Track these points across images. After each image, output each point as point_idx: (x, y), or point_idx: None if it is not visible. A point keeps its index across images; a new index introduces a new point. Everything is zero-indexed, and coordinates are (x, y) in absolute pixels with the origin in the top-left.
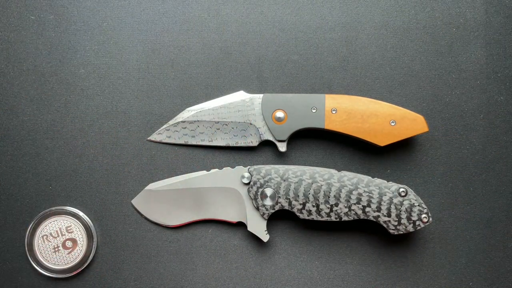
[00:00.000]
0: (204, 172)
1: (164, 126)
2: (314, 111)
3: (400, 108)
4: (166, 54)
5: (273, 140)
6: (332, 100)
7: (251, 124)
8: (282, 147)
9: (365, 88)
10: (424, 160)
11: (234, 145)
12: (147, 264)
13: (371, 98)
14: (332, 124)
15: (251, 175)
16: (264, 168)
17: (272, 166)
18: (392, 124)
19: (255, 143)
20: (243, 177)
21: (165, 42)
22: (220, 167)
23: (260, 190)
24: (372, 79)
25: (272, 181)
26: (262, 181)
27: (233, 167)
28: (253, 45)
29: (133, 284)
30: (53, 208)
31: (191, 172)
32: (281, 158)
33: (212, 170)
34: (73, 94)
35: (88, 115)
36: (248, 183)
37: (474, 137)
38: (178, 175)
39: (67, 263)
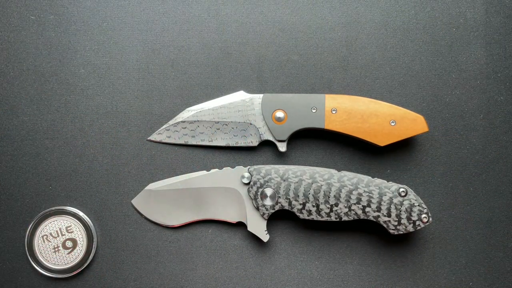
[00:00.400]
0: (204, 172)
1: (164, 126)
2: (314, 111)
3: (400, 108)
4: (166, 54)
5: (273, 140)
6: (332, 100)
7: (251, 124)
8: (282, 147)
9: (365, 88)
10: (424, 160)
11: (234, 145)
12: (147, 264)
13: (371, 98)
14: (332, 124)
15: (251, 175)
16: (264, 168)
17: (272, 166)
18: (392, 124)
19: (255, 143)
20: (243, 177)
21: (165, 42)
22: (220, 167)
23: (260, 190)
24: (372, 79)
25: (272, 181)
26: (262, 181)
27: (233, 167)
28: (253, 45)
29: (133, 284)
30: (53, 208)
31: (191, 172)
32: (281, 158)
33: (212, 170)
34: (73, 94)
35: (88, 115)
36: (248, 183)
37: (474, 137)
38: (178, 175)
39: (67, 263)
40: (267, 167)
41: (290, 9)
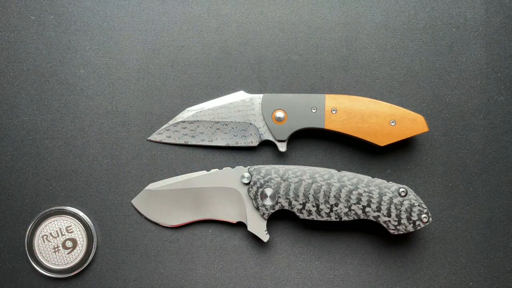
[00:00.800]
0: (204, 172)
1: (164, 126)
2: (314, 111)
3: (400, 108)
4: (166, 54)
5: (273, 140)
6: (332, 100)
7: (251, 124)
8: (282, 147)
9: (365, 88)
10: (424, 160)
11: (234, 145)
12: (147, 264)
13: (371, 98)
14: (332, 124)
15: (251, 175)
16: (264, 168)
17: (272, 166)
18: (392, 124)
19: (255, 143)
20: (243, 177)
21: (165, 42)
22: (220, 167)
23: (260, 190)
24: (372, 79)
25: (272, 181)
26: (262, 181)
27: (233, 167)
28: (253, 45)
29: (133, 284)
30: (53, 208)
31: (191, 172)
32: (281, 158)
33: (212, 170)
34: (73, 94)
35: (88, 115)
36: (248, 183)
37: (474, 137)
38: (178, 175)
39: (67, 263)
40: (267, 167)
41: (290, 9)
